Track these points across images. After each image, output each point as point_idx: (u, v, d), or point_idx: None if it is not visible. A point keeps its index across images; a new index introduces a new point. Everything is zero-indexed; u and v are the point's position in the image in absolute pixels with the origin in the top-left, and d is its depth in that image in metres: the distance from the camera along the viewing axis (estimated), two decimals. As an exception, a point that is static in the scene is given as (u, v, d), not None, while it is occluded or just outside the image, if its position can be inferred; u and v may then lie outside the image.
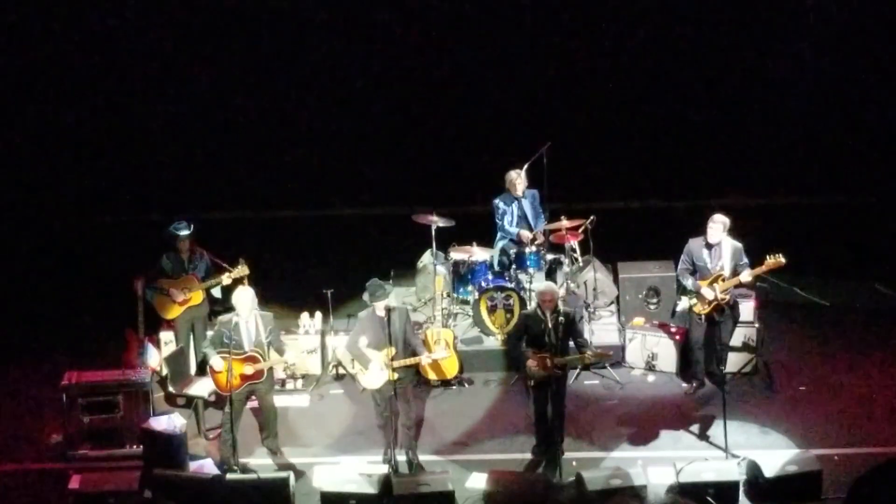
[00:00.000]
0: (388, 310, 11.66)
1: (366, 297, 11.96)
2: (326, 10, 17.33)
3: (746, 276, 12.52)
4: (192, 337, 13.39)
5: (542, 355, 11.51)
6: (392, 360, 11.55)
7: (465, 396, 13.33)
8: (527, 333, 11.70)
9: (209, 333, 12.46)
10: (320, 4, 17.34)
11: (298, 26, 17.38)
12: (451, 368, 13.33)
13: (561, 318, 11.52)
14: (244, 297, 11.77)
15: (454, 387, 13.41)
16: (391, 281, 11.97)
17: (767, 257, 12.42)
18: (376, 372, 11.68)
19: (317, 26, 17.36)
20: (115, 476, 11.40)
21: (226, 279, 13.14)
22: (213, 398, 12.52)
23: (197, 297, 13.28)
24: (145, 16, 17.29)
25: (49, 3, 17.17)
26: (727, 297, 12.64)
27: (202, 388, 12.53)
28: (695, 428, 12.45)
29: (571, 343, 11.73)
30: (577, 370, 13.31)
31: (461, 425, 12.74)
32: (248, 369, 11.68)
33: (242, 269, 13.07)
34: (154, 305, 13.31)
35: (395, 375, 11.57)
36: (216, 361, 11.75)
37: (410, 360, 11.63)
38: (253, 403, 12.19)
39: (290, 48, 17.46)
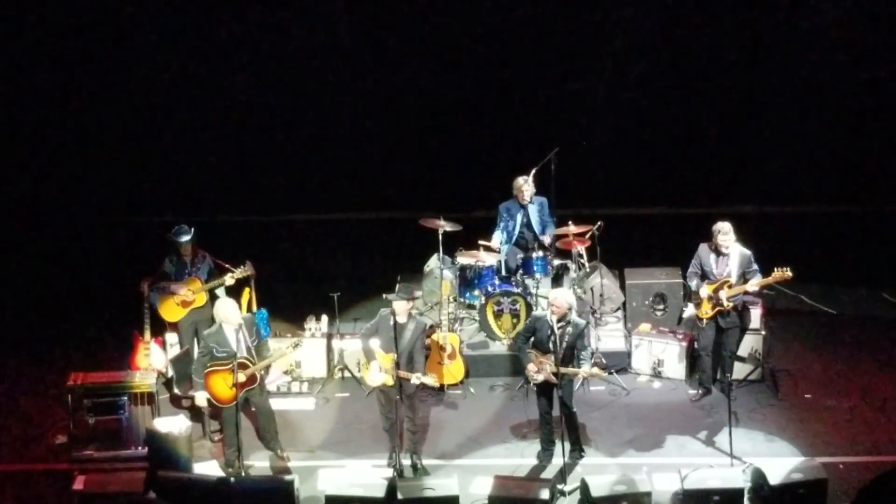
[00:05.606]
0: (407, 317, 11.73)
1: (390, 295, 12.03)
2: (336, 15, 17.31)
3: (753, 285, 12.52)
4: (196, 340, 13.38)
5: (542, 360, 11.57)
6: (394, 366, 11.59)
7: (470, 401, 13.32)
8: (535, 335, 11.74)
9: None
10: (330, 8, 17.33)
11: (308, 30, 17.36)
12: (456, 373, 13.33)
13: (569, 329, 11.55)
14: (231, 307, 11.76)
15: (459, 391, 13.42)
16: (398, 286, 12.01)
17: (775, 270, 12.40)
18: (375, 371, 11.74)
19: (326, 31, 17.34)
20: (120, 477, 11.39)
21: (229, 280, 13.15)
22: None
23: (200, 298, 13.27)
24: (158, 20, 17.29)
25: (62, 2, 17.18)
26: (731, 303, 12.64)
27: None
28: (700, 435, 12.45)
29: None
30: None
31: (466, 430, 12.74)
32: (241, 377, 11.64)
33: (246, 270, 13.09)
34: (157, 308, 13.32)
35: (391, 382, 11.63)
36: (201, 399, 11.83)
37: (405, 375, 11.64)
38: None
39: (300, 52, 17.45)
